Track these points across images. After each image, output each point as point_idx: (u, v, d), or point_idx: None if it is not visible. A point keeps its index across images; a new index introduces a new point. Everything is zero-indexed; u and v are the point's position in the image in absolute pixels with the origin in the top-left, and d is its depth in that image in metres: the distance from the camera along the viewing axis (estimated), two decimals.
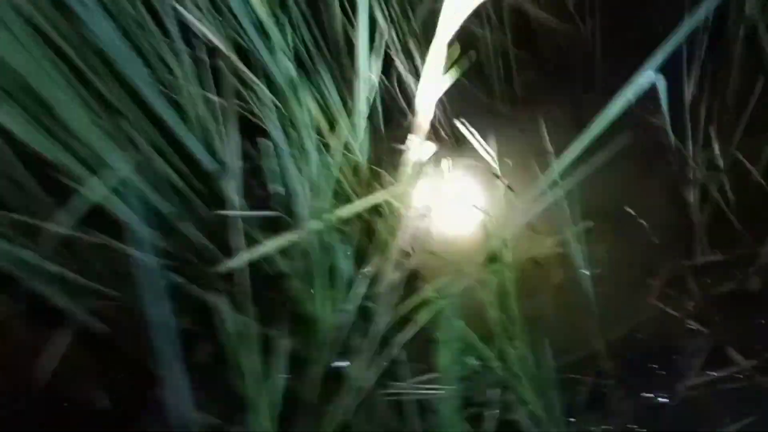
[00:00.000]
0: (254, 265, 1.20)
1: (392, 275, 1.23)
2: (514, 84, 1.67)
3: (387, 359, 1.26)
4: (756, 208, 1.34)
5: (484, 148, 1.40)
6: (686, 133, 1.33)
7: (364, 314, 1.30)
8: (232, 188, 1.14)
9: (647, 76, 0.95)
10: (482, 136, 1.45)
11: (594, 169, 1.13)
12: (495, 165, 1.37)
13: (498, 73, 1.65)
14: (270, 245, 1.14)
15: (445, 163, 1.22)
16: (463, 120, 1.48)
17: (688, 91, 1.34)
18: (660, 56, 0.93)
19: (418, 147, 1.16)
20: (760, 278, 1.32)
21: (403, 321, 1.27)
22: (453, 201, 1.47)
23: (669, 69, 1.39)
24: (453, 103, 1.60)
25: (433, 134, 1.61)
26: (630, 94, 0.98)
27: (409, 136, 1.12)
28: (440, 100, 1.55)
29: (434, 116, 1.58)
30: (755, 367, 1.28)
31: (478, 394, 1.28)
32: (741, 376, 1.28)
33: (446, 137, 1.60)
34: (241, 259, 1.14)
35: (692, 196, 1.37)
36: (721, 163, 1.36)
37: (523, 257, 1.39)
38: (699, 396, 1.27)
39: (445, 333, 1.30)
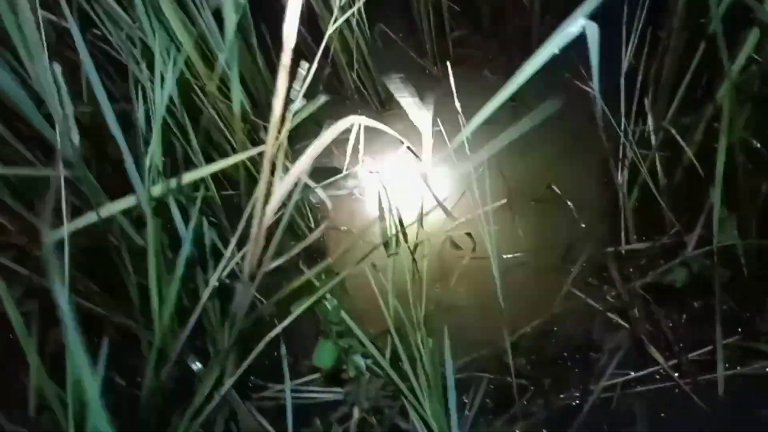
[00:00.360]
0: (91, 237, 0.96)
1: (262, 253, 1.01)
2: (447, 41, 1.48)
3: (255, 356, 1.05)
4: (687, 192, 1.22)
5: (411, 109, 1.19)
6: (619, 105, 1.18)
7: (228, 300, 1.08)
8: (64, 143, 0.87)
9: (577, 24, 0.76)
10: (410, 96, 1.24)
11: (514, 138, 0.94)
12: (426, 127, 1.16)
13: (430, 28, 1.45)
14: (104, 212, 0.90)
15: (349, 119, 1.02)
16: (385, 78, 1.27)
17: (626, 58, 1.18)
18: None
19: (289, 91, 0.92)
20: (685, 270, 1.19)
21: (282, 310, 1.07)
22: (356, 168, 1.26)
23: (604, 33, 1.25)
24: (380, 59, 1.39)
25: (356, 92, 1.39)
26: (557, 45, 0.78)
27: (280, 76, 0.88)
28: (363, 56, 1.34)
29: (353, 71, 1.36)
30: (675, 367, 1.18)
31: (367, 397, 1.13)
32: (660, 377, 1.18)
33: (370, 96, 1.38)
34: (67, 229, 0.89)
35: (621, 175, 1.22)
36: (653, 139, 1.23)
37: (429, 238, 1.20)
38: (615, 397, 1.16)
39: (329, 325, 1.12)
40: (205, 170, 0.98)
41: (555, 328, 1.23)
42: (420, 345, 1.08)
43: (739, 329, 1.19)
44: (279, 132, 0.97)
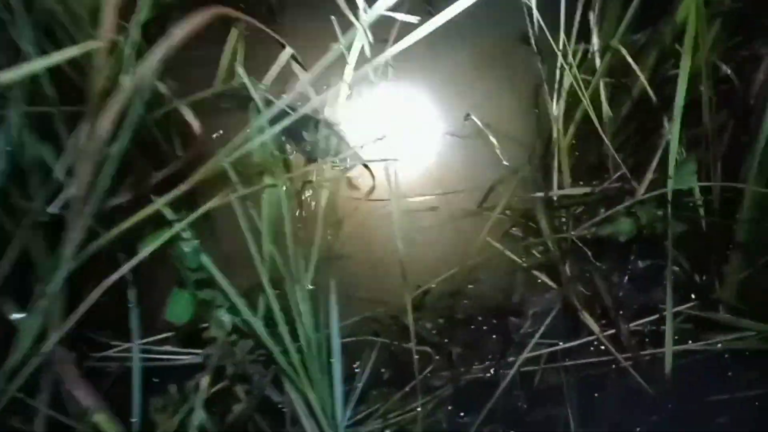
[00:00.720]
0: None
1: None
2: None
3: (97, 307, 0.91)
4: (637, 127, 1.07)
5: None
6: (558, 19, 1.04)
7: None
8: None
9: None
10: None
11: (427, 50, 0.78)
12: None
13: None
14: None
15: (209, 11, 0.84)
16: None
17: None
18: None
19: None
20: (632, 220, 1.05)
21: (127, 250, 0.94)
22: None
23: None
24: None
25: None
26: None
27: None
28: None
29: None
30: (613, 338, 1.03)
31: (232, 362, 0.97)
32: (594, 350, 1.04)
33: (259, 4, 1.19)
34: None
35: (556, 105, 1.07)
36: (598, 62, 1.07)
37: (315, 174, 1.02)
38: (539, 372, 1.02)
39: (185, 272, 0.98)
40: (25, 69, 0.80)
41: (468, 287, 1.08)
42: (300, 301, 0.95)
43: (693, 295, 1.06)
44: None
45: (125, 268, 0.92)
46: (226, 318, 0.99)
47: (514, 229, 1.12)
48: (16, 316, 0.94)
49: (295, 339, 0.94)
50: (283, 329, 0.94)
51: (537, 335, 1.04)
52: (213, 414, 0.95)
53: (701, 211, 1.03)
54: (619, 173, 1.07)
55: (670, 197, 1.00)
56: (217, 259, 0.98)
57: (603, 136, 1.06)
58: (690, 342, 1.03)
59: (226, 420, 0.97)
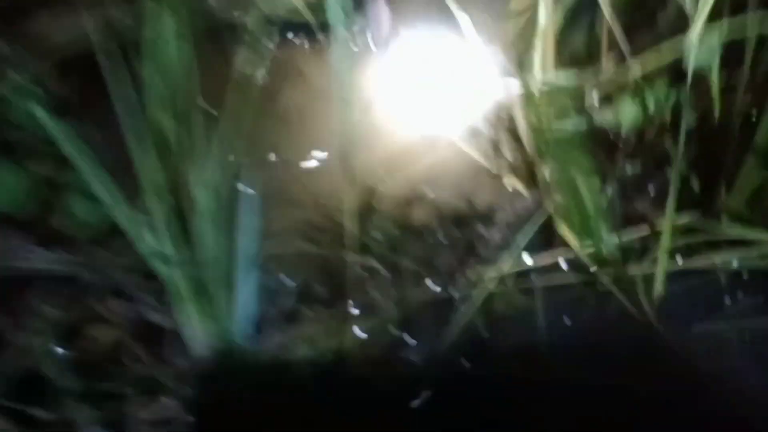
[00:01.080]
0: None
1: None
2: None
3: None
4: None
5: None
6: None
7: None
8: None
9: None
10: None
11: None
12: None
13: None
14: None
15: None
16: None
17: None
18: None
19: None
20: (637, 105, 0.92)
21: None
22: None
23: None
24: None
25: None
26: None
27: None
28: None
29: None
30: (595, 256, 0.91)
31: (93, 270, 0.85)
32: (571, 267, 0.92)
33: None
34: None
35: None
36: None
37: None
38: (506, 293, 0.90)
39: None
40: None
41: (425, 191, 0.97)
42: (200, 189, 0.79)
43: (692, 203, 0.92)
44: None
45: None
46: (81, 208, 0.83)
47: (480, 125, 0.98)
48: None
49: (189, 243, 0.80)
50: (172, 229, 0.79)
51: (506, 250, 0.92)
52: (72, 340, 0.83)
53: (716, 93, 0.88)
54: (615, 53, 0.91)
55: (689, 74, 0.84)
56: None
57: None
58: (683, 258, 0.90)
59: (91, 348, 0.82)
